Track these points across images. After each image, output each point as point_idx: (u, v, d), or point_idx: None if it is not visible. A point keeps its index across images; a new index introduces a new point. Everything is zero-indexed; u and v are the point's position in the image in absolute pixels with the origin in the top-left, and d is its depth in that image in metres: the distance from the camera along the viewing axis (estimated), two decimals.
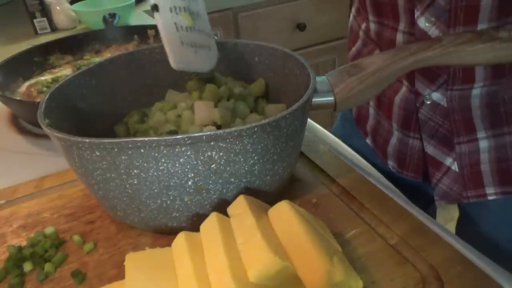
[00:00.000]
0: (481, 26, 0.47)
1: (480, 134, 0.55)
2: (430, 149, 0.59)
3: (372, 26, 0.59)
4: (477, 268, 0.36)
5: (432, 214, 0.76)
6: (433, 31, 0.50)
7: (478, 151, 0.56)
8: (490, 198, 0.57)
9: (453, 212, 0.70)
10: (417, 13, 0.50)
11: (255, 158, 0.37)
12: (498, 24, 0.47)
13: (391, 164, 0.66)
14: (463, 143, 0.56)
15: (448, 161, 0.58)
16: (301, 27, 1.55)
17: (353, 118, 0.74)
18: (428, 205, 0.70)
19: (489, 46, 0.43)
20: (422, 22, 0.50)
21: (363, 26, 0.65)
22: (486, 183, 0.57)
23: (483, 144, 0.55)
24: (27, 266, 0.40)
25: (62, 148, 0.38)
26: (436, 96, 0.55)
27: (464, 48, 0.43)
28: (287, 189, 0.46)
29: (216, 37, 0.52)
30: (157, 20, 0.42)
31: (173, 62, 0.43)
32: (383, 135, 0.66)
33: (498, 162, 0.56)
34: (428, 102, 0.56)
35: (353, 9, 0.70)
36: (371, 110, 0.67)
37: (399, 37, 0.54)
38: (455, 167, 0.57)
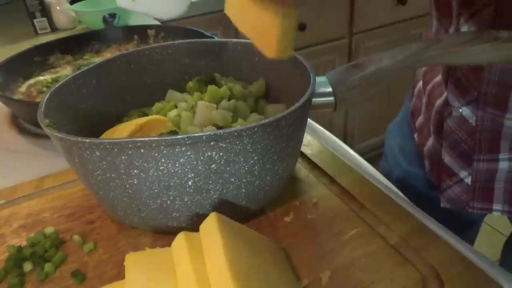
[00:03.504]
0: None
1: (503, 155, 0.53)
2: (447, 159, 0.58)
3: (434, 22, 0.57)
4: (477, 268, 0.36)
5: (471, 240, 0.76)
6: None
7: (496, 170, 0.55)
8: (495, 213, 0.57)
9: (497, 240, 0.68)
10: (461, 20, 0.49)
11: (255, 158, 0.37)
12: None
13: (426, 164, 0.65)
14: (482, 161, 0.55)
15: (463, 174, 0.57)
16: (301, 27, 1.55)
17: (410, 111, 0.71)
18: (465, 230, 0.70)
19: (489, 46, 0.43)
20: (465, 30, 0.48)
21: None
22: (495, 200, 0.56)
23: (503, 165, 0.54)
24: (27, 266, 0.40)
25: (62, 148, 0.38)
26: (466, 111, 0.53)
27: (464, 48, 0.43)
28: (287, 189, 0.46)
29: (216, 37, 0.52)
30: None
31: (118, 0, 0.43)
32: (425, 134, 0.64)
33: None
34: (457, 115, 0.54)
35: None
36: (423, 108, 0.65)
37: None
38: (468, 180, 0.57)
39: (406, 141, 0.70)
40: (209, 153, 0.35)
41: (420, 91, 0.66)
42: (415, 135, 0.69)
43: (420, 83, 0.66)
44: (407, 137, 0.71)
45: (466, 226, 0.71)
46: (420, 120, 0.67)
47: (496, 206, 0.56)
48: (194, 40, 0.55)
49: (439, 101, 0.58)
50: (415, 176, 0.69)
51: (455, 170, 0.58)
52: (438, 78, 0.59)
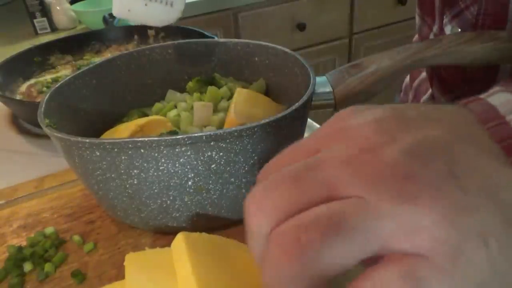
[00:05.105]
0: None
1: None
2: None
3: (417, 19, 0.58)
4: None
5: None
6: None
7: None
8: None
9: None
10: (445, 20, 0.49)
11: (255, 158, 0.37)
12: None
13: None
14: None
15: None
16: (301, 27, 1.55)
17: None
18: None
19: (489, 46, 0.43)
20: (449, 30, 0.49)
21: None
22: None
23: None
24: (27, 266, 0.40)
25: (62, 148, 0.38)
26: None
27: (464, 48, 0.43)
28: None
29: (216, 37, 0.52)
30: None
31: (114, 10, 0.42)
32: None
33: None
34: None
35: None
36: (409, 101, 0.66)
37: (431, 38, 0.53)
38: None
39: None
40: (209, 153, 0.35)
41: (407, 86, 0.68)
42: None
43: (407, 78, 0.67)
44: None
45: None
46: None
47: None
48: (194, 40, 0.55)
49: (425, 97, 0.60)
50: None
51: None
52: (424, 74, 0.60)
